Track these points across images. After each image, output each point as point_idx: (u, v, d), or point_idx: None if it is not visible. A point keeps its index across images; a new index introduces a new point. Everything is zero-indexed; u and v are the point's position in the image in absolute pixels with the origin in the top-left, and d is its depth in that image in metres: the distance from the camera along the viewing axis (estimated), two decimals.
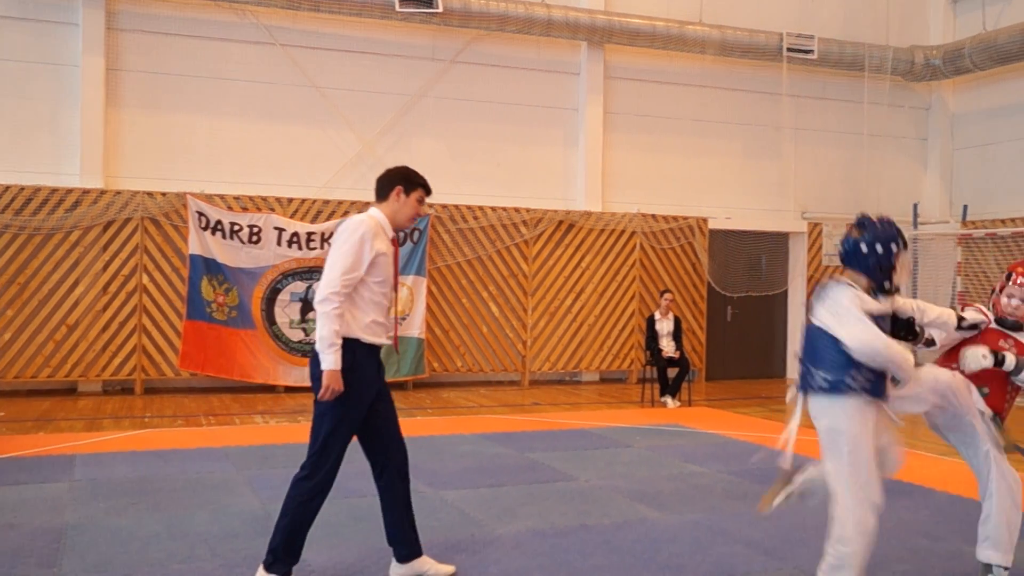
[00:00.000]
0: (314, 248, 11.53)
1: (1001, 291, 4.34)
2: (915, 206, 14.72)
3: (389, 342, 4.35)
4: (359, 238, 4.08)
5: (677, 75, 14.04)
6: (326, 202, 11.89)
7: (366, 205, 11.78)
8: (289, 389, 11.38)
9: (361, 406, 4.13)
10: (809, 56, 14.03)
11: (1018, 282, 4.27)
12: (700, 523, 5.45)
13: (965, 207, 14.40)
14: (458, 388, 12.34)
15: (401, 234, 11.93)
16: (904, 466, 5.96)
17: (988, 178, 14.69)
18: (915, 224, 14.56)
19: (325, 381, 3.97)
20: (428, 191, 4.39)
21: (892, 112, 15.08)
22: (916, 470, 7.09)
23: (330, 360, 3.96)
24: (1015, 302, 4.28)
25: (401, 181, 4.31)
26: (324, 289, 4.00)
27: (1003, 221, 13.74)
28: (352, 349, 4.05)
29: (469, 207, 12.56)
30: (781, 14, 14.38)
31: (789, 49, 13.89)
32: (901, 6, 15.22)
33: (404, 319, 11.92)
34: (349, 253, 4.05)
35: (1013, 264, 4.43)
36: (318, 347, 4.00)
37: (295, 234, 11.47)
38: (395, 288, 4.38)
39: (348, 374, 4.03)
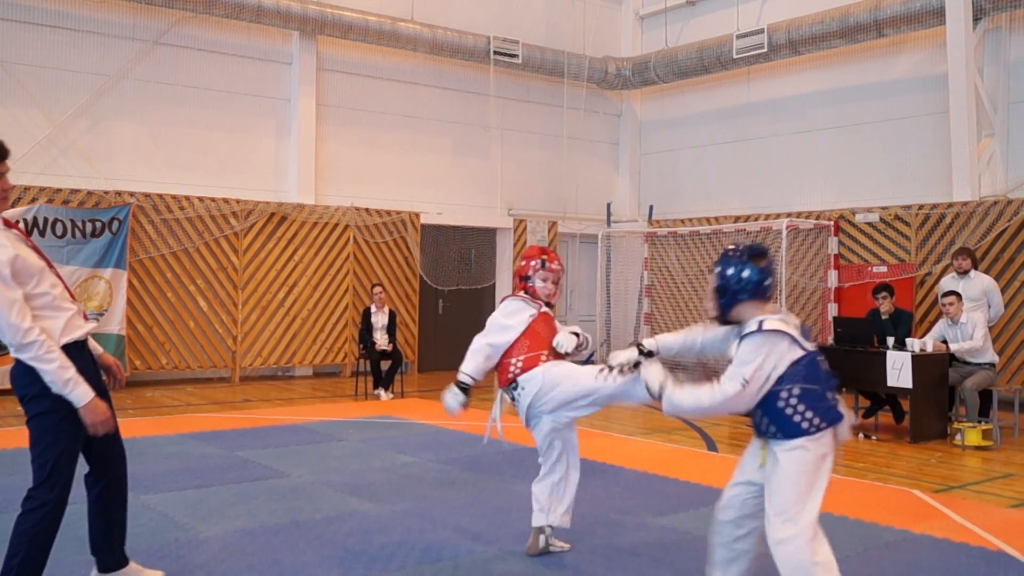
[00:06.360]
0: None
1: (534, 276, 4.78)
2: (608, 205, 16.01)
3: (92, 326, 3.97)
4: None
5: (390, 71, 14.23)
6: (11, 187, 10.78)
7: (57, 192, 10.97)
8: None
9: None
10: (514, 60, 14.77)
11: (552, 268, 4.77)
12: (411, 512, 5.63)
13: (651, 207, 15.85)
14: (163, 386, 11.74)
15: (99, 223, 11.20)
16: (598, 447, 6.43)
17: (670, 181, 16.19)
18: (608, 222, 15.82)
19: (90, 419, 3.62)
20: (6, 153, 3.77)
21: (588, 117, 16.23)
22: (607, 450, 7.79)
23: (80, 393, 3.56)
24: (550, 286, 4.79)
25: None
26: (15, 337, 3.48)
27: (683, 221, 15.26)
28: (69, 354, 3.65)
29: (175, 196, 11.96)
30: (489, 18, 15.00)
31: (496, 52, 14.54)
32: (596, 19, 16.41)
33: (102, 315, 11.14)
34: None
35: (547, 252, 4.88)
36: (60, 389, 3.55)
37: None
38: (56, 272, 3.84)
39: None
